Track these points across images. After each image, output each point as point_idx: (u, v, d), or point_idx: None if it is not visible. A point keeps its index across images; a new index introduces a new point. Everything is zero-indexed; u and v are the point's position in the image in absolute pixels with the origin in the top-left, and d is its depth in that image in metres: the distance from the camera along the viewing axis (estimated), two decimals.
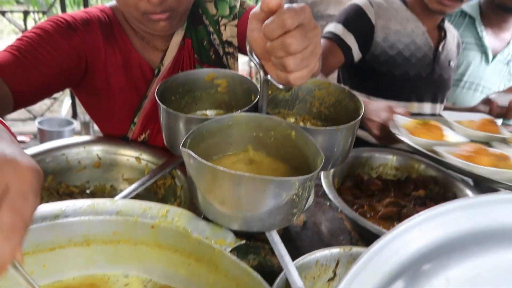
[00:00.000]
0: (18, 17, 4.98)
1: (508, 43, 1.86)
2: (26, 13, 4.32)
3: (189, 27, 1.11)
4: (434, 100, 1.65)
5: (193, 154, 0.58)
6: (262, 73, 0.72)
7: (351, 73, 1.67)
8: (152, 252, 0.61)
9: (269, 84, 0.73)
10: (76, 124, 3.18)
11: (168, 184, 0.99)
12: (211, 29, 1.13)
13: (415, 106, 1.60)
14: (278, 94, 0.92)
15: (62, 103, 4.03)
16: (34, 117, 3.66)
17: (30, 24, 4.36)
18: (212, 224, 0.61)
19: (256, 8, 0.58)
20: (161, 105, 0.80)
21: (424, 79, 1.57)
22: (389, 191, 1.22)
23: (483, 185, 1.22)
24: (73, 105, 3.91)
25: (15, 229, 0.37)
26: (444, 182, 1.27)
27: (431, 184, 1.27)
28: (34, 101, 0.92)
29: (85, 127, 3.46)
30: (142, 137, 1.09)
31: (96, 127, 3.64)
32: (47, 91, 0.94)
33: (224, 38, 1.14)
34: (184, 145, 0.62)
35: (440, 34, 1.61)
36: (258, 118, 0.75)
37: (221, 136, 0.75)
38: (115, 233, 0.60)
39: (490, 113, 1.48)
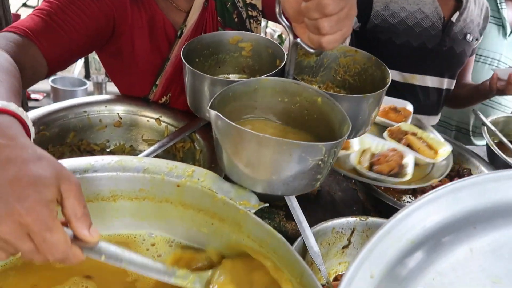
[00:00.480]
0: None
1: None
2: None
3: None
4: (441, 74, 1.57)
5: (221, 115, 0.57)
6: (291, 36, 0.71)
7: (357, 41, 1.62)
8: (176, 210, 0.62)
9: (297, 48, 0.72)
10: (89, 84, 3.18)
11: (187, 147, 1.00)
12: None
13: (417, 78, 1.55)
14: (303, 60, 0.91)
15: (75, 63, 4.02)
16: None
17: None
18: (236, 186, 0.62)
19: None
20: (187, 66, 0.79)
21: (429, 51, 1.50)
22: None
23: (498, 161, 1.21)
24: (86, 65, 3.89)
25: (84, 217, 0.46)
26: (460, 159, 1.27)
27: None
28: (64, 66, 0.92)
29: (98, 88, 3.46)
30: (164, 99, 1.09)
31: (109, 88, 3.66)
32: (76, 55, 0.93)
33: (248, 0, 1.12)
34: (211, 107, 0.61)
35: (458, 4, 1.51)
36: (284, 82, 0.74)
37: (246, 100, 0.74)
38: (141, 190, 0.60)
39: (490, 86, 1.43)
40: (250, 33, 0.95)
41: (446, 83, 1.60)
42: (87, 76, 3.72)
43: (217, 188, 0.60)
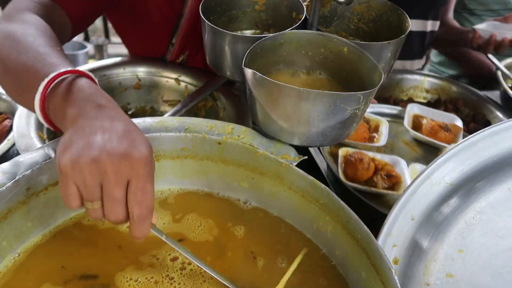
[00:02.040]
0: None
1: None
2: None
3: None
4: (424, 16, 1.51)
5: (258, 73, 0.58)
6: None
7: None
8: (217, 167, 0.64)
9: None
10: (89, 47, 3.11)
11: (209, 106, 1.00)
12: None
13: None
14: None
15: None
16: None
17: None
18: (275, 141, 0.63)
19: None
20: (208, 23, 0.78)
21: None
22: None
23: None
24: None
25: (142, 219, 0.45)
26: (474, 104, 1.28)
27: (461, 106, 1.28)
28: (86, 26, 0.91)
29: (99, 50, 3.39)
30: (181, 58, 1.08)
31: (110, 50, 3.58)
32: (96, 12, 0.92)
33: None
34: (245, 65, 0.62)
35: None
36: (308, 34, 0.74)
37: (272, 55, 0.75)
38: (183, 149, 0.62)
39: (471, 42, 1.40)
40: None
41: (429, 25, 1.55)
42: (87, 38, 3.63)
43: (258, 143, 0.62)
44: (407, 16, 0.81)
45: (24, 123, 0.79)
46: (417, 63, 1.64)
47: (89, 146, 0.42)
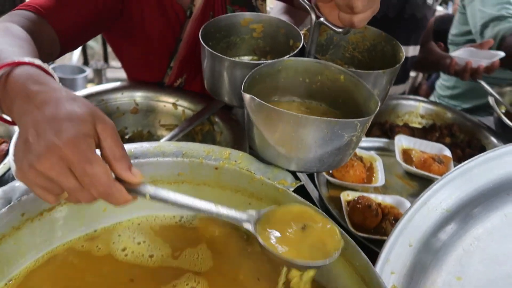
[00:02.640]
0: None
1: None
2: None
3: None
4: (406, 43, 1.50)
5: (256, 98, 0.59)
6: (313, 17, 0.71)
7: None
8: (213, 192, 0.64)
9: (320, 28, 0.72)
10: (88, 72, 3.15)
11: (206, 130, 1.01)
12: None
13: None
14: None
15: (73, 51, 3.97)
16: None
17: None
18: (271, 166, 0.64)
19: None
20: (207, 48, 0.79)
21: (392, 20, 1.43)
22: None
23: (506, 132, 1.24)
24: (84, 52, 3.85)
25: (106, 194, 0.45)
26: (469, 129, 1.30)
27: (456, 131, 1.29)
28: (75, 44, 0.92)
29: (98, 74, 3.43)
30: (179, 81, 1.09)
31: (108, 74, 3.62)
32: (87, 32, 0.93)
33: None
34: (244, 90, 0.63)
35: None
36: (306, 62, 0.75)
37: (270, 81, 0.76)
38: (180, 174, 0.62)
39: (447, 69, 1.43)
40: (262, 14, 0.95)
41: (411, 51, 1.56)
42: (86, 63, 3.68)
43: (255, 169, 0.62)
44: (400, 46, 0.83)
45: None
46: (401, 88, 1.66)
47: (24, 153, 0.43)
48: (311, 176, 0.90)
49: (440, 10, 1.95)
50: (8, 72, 0.50)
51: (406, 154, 1.05)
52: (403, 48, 1.55)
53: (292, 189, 0.60)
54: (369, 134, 1.25)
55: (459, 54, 1.41)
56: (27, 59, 0.51)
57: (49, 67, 0.53)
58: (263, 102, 0.58)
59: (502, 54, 1.36)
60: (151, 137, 1.06)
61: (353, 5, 0.55)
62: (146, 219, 0.64)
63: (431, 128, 1.31)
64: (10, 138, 0.87)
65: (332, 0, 0.61)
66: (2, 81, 0.49)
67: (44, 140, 0.42)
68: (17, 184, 0.51)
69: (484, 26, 1.59)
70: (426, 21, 1.54)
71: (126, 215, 0.63)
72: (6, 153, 0.88)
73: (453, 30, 1.87)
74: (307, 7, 0.71)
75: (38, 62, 0.51)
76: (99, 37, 4.02)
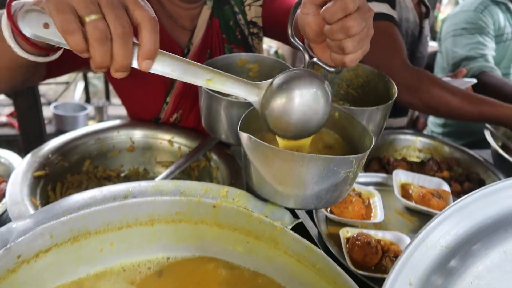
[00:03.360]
0: None
1: None
2: None
3: (215, 6, 1.11)
4: None
5: (253, 137, 0.60)
6: (307, 56, 0.73)
7: None
8: (211, 231, 0.64)
9: (314, 67, 0.74)
10: (90, 109, 3.20)
11: (202, 166, 1.01)
12: (236, 9, 1.14)
13: None
14: None
15: (75, 88, 4.03)
16: (49, 103, 3.66)
17: None
18: (269, 204, 0.64)
19: None
20: (204, 88, 0.81)
21: (410, 56, 1.50)
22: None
23: (504, 165, 1.24)
24: (86, 90, 3.92)
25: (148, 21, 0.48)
26: (467, 163, 1.30)
27: (454, 165, 1.30)
28: (62, 70, 0.91)
29: (99, 112, 3.47)
30: (175, 116, 1.10)
31: (110, 112, 3.67)
32: (76, 60, 0.90)
33: (248, 18, 1.15)
34: (241, 129, 0.64)
35: (421, 10, 1.56)
36: None
37: None
38: (178, 213, 0.62)
39: None
40: (257, 54, 0.98)
41: None
42: (88, 100, 3.74)
43: (252, 206, 0.62)
44: (393, 83, 0.85)
45: (18, 189, 0.79)
46: (403, 120, 1.69)
47: None
48: (309, 213, 0.89)
49: (433, 46, 2.03)
50: None
51: (405, 189, 1.05)
52: None
53: (290, 227, 0.60)
54: (367, 168, 1.26)
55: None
56: None
57: None
58: (259, 140, 0.59)
59: (474, 80, 1.46)
60: (148, 174, 1.07)
61: (343, 46, 0.57)
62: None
63: (429, 162, 1.32)
64: (8, 177, 0.88)
65: (324, 42, 0.63)
66: None
67: None
68: (14, 225, 0.51)
69: (456, 65, 1.70)
70: (426, 57, 1.66)
71: (123, 258, 0.62)
72: (4, 193, 0.88)
73: (436, 67, 1.95)
74: (301, 48, 0.73)
75: None
76: (101, 75, 4.10)
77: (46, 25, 0.46)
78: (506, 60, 1.80)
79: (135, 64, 0.51)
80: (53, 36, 0.47)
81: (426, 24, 1.57)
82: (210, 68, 0.56)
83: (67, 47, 0.48)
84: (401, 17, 1.44)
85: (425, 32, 1.57)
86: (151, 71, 0.52)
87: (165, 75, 0.53)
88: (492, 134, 1.28)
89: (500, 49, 1.78)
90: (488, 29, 1.73)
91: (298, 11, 0.65)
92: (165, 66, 0.52)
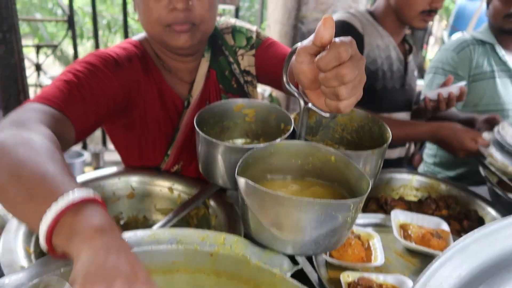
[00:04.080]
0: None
1: None
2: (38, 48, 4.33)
3: (212, 58, 1.15)
4: (407, 108, 1.70)
5: (251, 182, 0.60)
6: (302, 102, 0.75)
7: None
8: (209, 279, 0.62)
9: (309, 113, 0.76)
10: (87, 156, 3.20)
11: (201, 214, 1.00)
12: (231, 59, 1.17)
13: (393, 116, 1.64)
14: None
15: None
16: None
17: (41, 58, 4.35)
18: (267, 250, 0.63)
19: (306, 43, 0.61)
20: (202, 134, 0.82)
21: (398, 91, 1.63)
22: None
23: (502, 202, 1.24)
24: None
25: None
26: (465, 201, 1.29)
27: (452, 203, 1.29)
28: (87, 136, 0.94)
29: (95, 158, 3.47)
30: (175, 168, 1.11)
31: (106, 158, 3.67)
32: (98, 125, 0.95)
33: (242, 67, 1.18)
34: (238, 174, 0.64)
35: (405, 47, 1.68)
36: (297, 144, 0.77)
37: (263, 163, 0.77)
38: (174, 262, 0.61)
39: (425, 107, 1.56)
40: (253, 100, 1.00)
41: (407, 116, 1.71)
42: (84, 147, 3.76)
43: (250, 253, 0.61)
44: (387, 127, 0.87)
45: (12, 237, 0.78)
46: (402, 151, 1.74)
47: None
48: (309, 257, 0.88)
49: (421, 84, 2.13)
50: (81, 205, 0.53)
51: (404, 229, 1.04)
52: (405, 113, 1.70)
53: (290, 273, 0.59)
54: (365, 209, 1.25)
55: (431, 95, 1.56)
56: (95, 195, 0.55)
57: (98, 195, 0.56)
58: (256, 185, 0.59)
59: (463, 83, 1.54)
60: (147, 222, 1.05)
61: (338, 93, 0.59)
62: None
63: (427, 200, 1.31)
64: (2, 228, 0.86)
65: (318, 88, 0.65)
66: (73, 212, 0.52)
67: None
68: (7, 281, 0.50)
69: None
70: (416, 89, 1.78)
71: None
72: None
73: None
74: (296, 94, 0.75)
75: (92, 193, 0.55)
76: None
77: None
78: (486, 98, 1.85)
79: None
80: None
81: (411, 59, 1.67)
82: None
83: None
84: (376, 57, 1.55)
85: (410, 67, 1.67)
86: None
87: None
88: (487, 170, 1.28)
89: (478, 87, 1.83)
90: (457, 70, 1.81)
91: (293, 59, 0.67)
92: None
